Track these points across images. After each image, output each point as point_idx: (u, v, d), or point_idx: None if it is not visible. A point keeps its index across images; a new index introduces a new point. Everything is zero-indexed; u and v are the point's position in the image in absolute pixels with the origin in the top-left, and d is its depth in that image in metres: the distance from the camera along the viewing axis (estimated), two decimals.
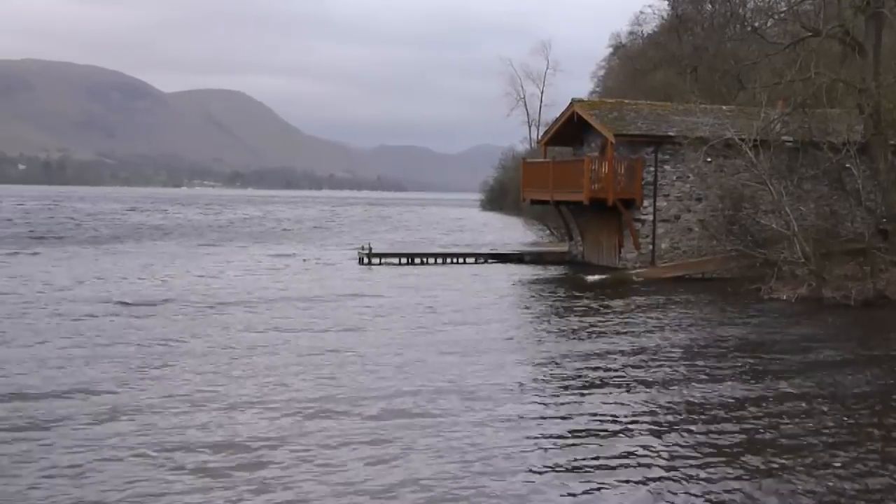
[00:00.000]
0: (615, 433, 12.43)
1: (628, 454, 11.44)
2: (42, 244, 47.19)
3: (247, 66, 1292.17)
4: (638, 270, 35.21)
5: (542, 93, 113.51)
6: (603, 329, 22.18)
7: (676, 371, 16.96)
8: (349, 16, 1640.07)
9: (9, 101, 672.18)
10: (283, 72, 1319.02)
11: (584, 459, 11.18)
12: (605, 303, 27.38)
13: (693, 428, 12.80)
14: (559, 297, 29.71)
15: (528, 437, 12.03)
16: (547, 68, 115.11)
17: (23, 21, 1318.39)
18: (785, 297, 27.76)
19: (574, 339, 20.60)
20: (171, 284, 29.33)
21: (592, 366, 17.27)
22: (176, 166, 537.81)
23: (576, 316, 24.52)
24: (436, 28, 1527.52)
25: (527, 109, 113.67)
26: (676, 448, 11.81)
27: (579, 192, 36.30)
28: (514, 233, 68.01)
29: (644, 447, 11.76)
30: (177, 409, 13.05)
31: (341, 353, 17.74)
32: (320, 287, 29.35)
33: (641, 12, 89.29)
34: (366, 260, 39.18)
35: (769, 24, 42.49)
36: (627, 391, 15.10)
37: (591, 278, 33.62)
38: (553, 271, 37.75)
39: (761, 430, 12.76)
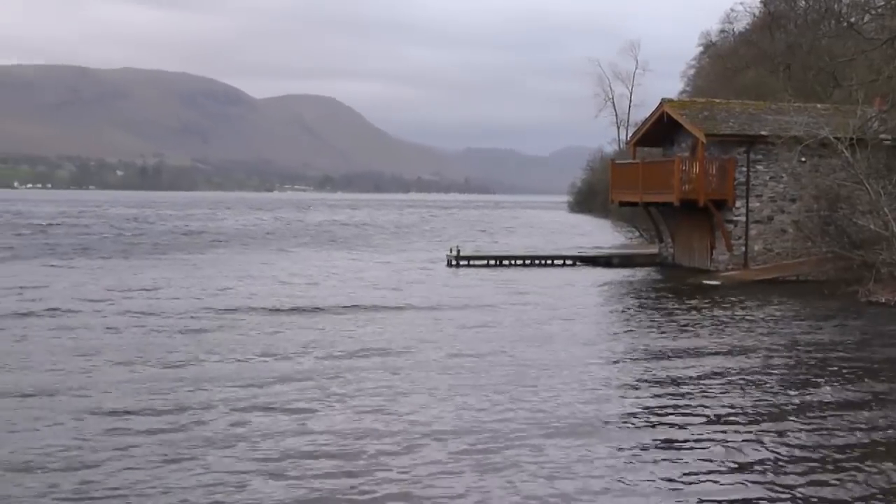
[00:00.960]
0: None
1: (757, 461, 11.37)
2: (170, 251, 47.25)
3: (337, 71, 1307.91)
4: (730, 273, 34.64)
5: (630, 93, 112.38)
6: (705, 331, 21.94)
7: (784, 375, 16.66)
8: (435, 19, 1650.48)
9: (108, 109, 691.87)
10: (371, 77, 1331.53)
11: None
12: (703, 305, 26.98)
13: (804, 429, 12.75)
14: (656, 300, 29.33)
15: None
16: (636, 68, 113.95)
17: (120, 31, 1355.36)
18: (884, 300, 26.97)
19: (669, 337, 20.37)
20: (293, 291, 29.07)
21: (696, 365, 17.10)
22: (267, 171, 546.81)
23: (665, 317, 24.25)
24: (520, 29, 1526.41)
25: (615, 110, 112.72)
26: (794, 450, 11.79)
27: (669, 193, 35.86)
28: (602, 235, 67.47)
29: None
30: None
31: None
32: (436, 294, 28.96)
33: (732, 10, 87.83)
34: (454, 262, 39.30)
35: (866, 19, 41.50)
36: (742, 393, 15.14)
37: (708, 281, 33.25)
38: (644, 274, 37.32)
39: (872, 434, 12.59)
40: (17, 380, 15.07)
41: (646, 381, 15.96)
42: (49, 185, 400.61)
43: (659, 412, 13.60)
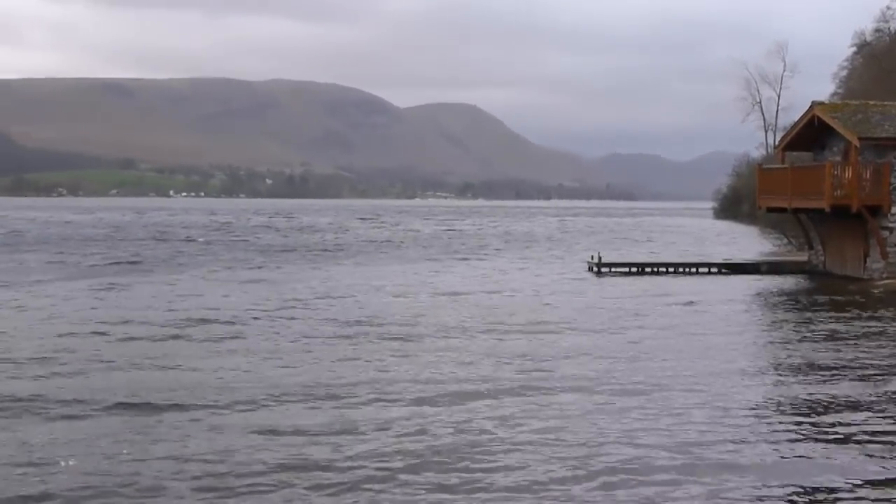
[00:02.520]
0: None
1: None
2: (338, 256, 48.81)
3: (477, 79, 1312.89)
4: (885, 282, 33.33)
5: (778, 96, 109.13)
6: (866, 343, 21.21)
7: None
8: (576, 24, 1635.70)
9: (258, 120, 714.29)
10: (512, 84, 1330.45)
11: None
12: (859, 315, 26.04)
13: None
14: (809, 311, 28.42)
15: None
16: (783, 70, 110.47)
17: (268, 44, 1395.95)
18: None
19: (828, 349, 19.80)
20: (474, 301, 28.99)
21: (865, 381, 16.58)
22: (410, 178, 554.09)
23: (821, 327, 23.54)
24: (661, 32, 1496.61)
25: (763, 114, 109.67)
26: None
27: (820, 198, 34.77)
28: (749, 242, 65.86)
29: None
30: None
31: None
32: (580, 303, 28.74)
33: (888, 8, 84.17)
34: (596, 269, 39.09)
35: None
36: None
37: (862, 291, 32.17)
38: (794, 283, 36.28)
39: None
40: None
41: (809, 401, 15.11)
42: (202, 194, 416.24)
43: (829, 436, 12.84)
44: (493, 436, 12.40)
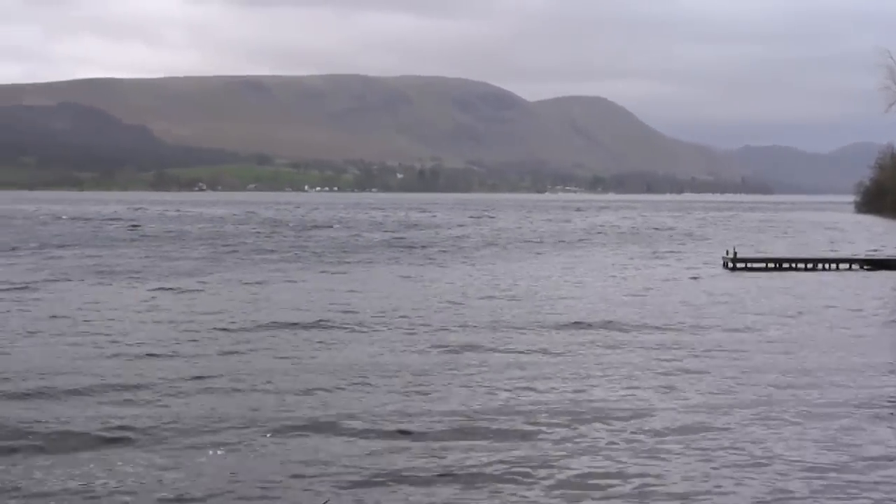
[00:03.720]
0: None
1: None
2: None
3: (608, 71, 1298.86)
4: None
5: None
6: None
7: None
8: (708, 13, 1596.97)
9: (390, 115, 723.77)
10: (643, 75, 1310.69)
11: None
12: None
13: None
14: None
15: None
16: None
17: (400, 40, 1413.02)
18: None
19: None
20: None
21: None
22: (540, 172, 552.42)
23: None
24: (796, 21, 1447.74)
25: None
26: None
27: None
28: (893, 237, 63.59)
29: None
30: None
31: None
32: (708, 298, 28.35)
33: None
34: (730, 265, 38.50)
35: None
36: None
37: None
38: None
39: None
40: None
41: None
42: (335, 189, 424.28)
43: None
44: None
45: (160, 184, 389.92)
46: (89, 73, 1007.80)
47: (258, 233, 66.85)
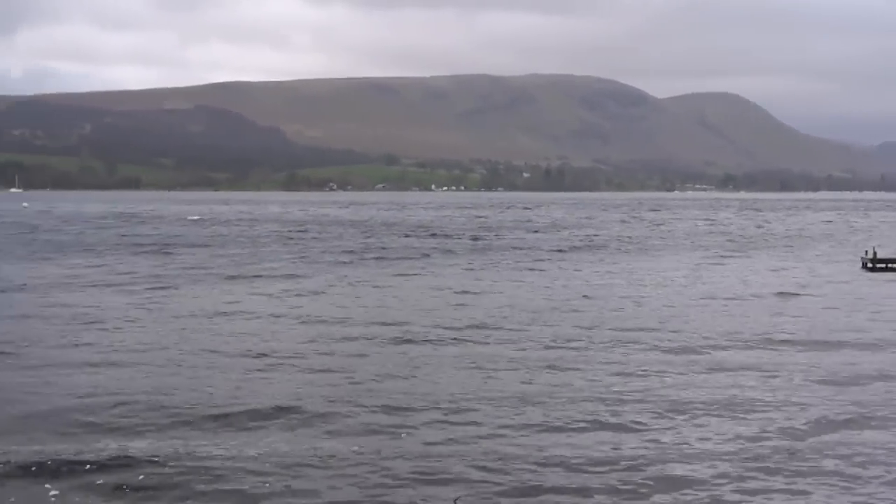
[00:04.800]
0: None
1: None
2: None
3: (741, 67, 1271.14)
4: None
5: None
6: None
7: None
8: (844, 5, 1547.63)
9: (515, 115, 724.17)
10: (778, 71, 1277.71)
11: None
12: None
13: None
14: None
15: None
16: None
17: (525, 39, 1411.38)
18: None
19: None
20: None
21: None
22: (668, 170, 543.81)
23: None
24: None
25: None
26: None
27: None
28: None
29: None
30: None
31: None
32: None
33: None
34: (869, 265, 37.32)
35: None
36: None
37: None
38: None
39: None
40: None
41: None
42: (462, 188, 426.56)
43: None
44: None
45: (291, 184, 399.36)
46: (221, 77, 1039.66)
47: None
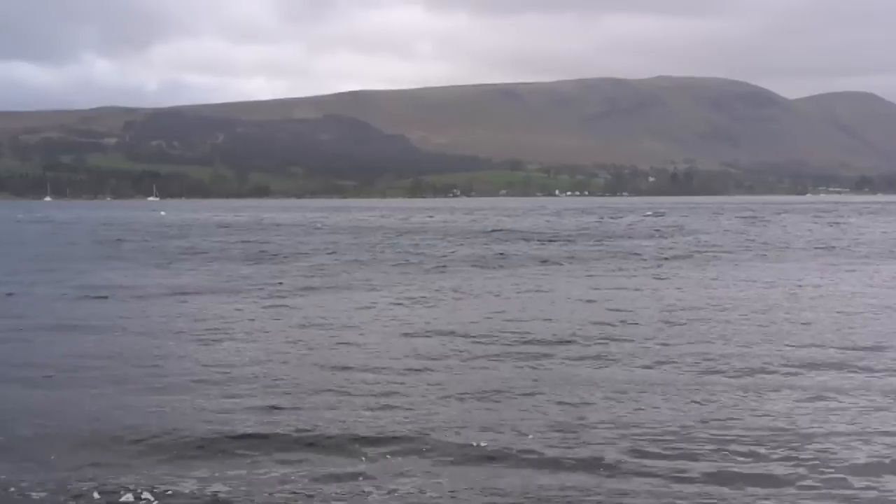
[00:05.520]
0: None
1: None
2: None
3: (875, 65, 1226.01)
4: None
5: None
6: None
7: None
8: None
9: (642, 118, 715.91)
10: None
11: None
12: None
13: None
14: None
15: None
16: None
17: (650, 42, 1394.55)
18: None
19: None
20: None
21: None
22: (800, 173, 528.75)
23: None
24: None
25: None
26: None
27: None
28: None
29: None
30: None
31: None
32: None
33: None
34: None
35: None
36: None
37: None
38: None
39: None
40: None
41: None
42: (586, 193, 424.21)
43: None
44: None
45: (417, 190, 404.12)
46: (348, 86, 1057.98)
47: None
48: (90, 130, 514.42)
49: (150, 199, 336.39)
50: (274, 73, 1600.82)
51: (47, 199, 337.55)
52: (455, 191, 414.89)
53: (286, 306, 25.45)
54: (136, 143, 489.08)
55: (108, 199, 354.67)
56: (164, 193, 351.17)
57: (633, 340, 18.70)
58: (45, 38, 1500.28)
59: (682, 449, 11.00)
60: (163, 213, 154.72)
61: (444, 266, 40.48)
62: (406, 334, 20.36)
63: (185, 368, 16.13)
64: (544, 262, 42.37)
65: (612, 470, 10.33)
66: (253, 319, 22.74)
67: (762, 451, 10.88)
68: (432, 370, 15.97)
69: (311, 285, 31.77)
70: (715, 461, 10.53)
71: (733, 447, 10.99)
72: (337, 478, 10.26)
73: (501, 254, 47.75)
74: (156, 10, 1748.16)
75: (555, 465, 10.57)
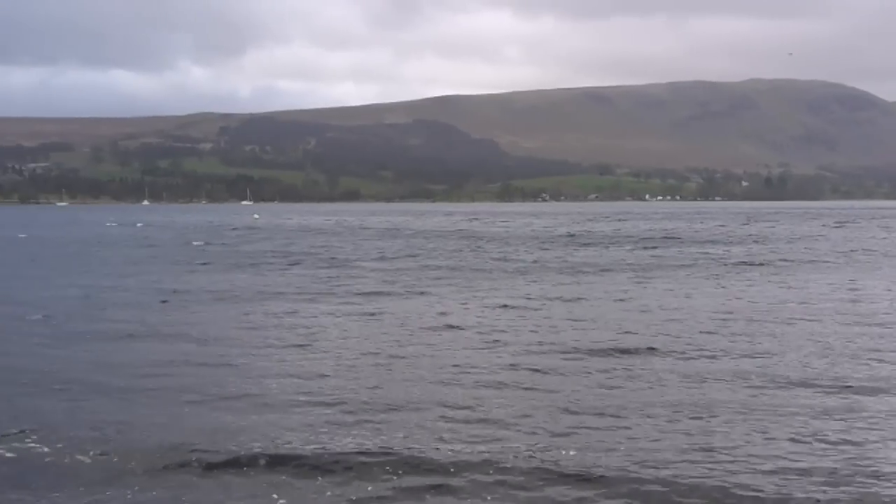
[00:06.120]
0: None
1: None
2: None
3: None
4: None
5: None
6: None
7: None
8: None
9: (734, 121, 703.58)
10: None
11: None
12: None
13: None
14: None
15: None
16: None
17: (743, 44, 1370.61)
18: None
19: None
20: None
21: None
22: None
23: None
24: None
25: None
26: None
27: None
28: None
29: None
30: None
31: None
32: None
33: None
34: None
35: None
36: None
37: None
38: None
39: None
40: None
41: None
42: (677, 197, 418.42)
43: None
44: None
45: (505, 195, 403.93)
46: (436, 91, 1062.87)
47: None
48: (186, 136, 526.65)
49: (244, 202, 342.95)
50: (363, 79, 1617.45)
51: (145, 202, 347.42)
52: (544, 195, 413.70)
53: (367, 313, 25.04)
54: (231, 147, 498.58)
55: (203, 202, 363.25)
56: (257, 197, 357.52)
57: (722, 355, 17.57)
58: (143, 47, 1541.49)
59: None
60: (256, 216, 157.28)
61: (527, 271, 40.21)
62: (500, 344, 19.43)
63: (283, 385, 15.48)
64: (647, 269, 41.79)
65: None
66: (346, 329, 22.13)
67: None
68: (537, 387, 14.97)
69: (393, 290, 31.52)
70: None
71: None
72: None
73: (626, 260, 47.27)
74: (248, 18, 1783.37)
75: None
